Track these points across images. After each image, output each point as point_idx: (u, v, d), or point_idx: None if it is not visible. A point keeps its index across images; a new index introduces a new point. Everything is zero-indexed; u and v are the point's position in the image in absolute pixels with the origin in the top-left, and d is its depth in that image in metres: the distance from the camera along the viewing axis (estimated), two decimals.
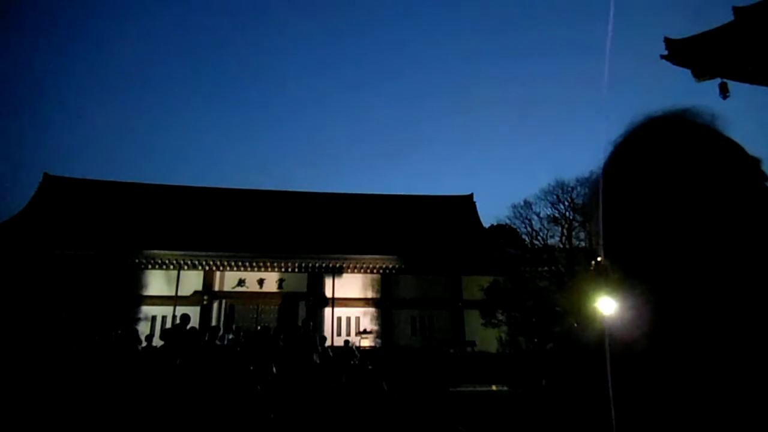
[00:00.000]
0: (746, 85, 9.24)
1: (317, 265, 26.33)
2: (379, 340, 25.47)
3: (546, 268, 21.27)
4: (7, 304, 19.89)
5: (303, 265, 26.26)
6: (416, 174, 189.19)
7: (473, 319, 24.67)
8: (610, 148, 0.69)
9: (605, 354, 0.60)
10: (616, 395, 0.57)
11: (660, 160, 0.63)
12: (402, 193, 33.88)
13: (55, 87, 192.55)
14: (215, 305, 25.66)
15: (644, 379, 0.57)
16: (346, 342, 15.50)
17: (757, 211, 0.60)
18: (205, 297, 25.48)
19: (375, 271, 27.22)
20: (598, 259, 0.68)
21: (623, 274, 0.66)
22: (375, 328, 26.19)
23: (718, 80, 8.82)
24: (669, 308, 0.60)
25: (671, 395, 0.55)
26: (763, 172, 0.63)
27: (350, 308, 26.62)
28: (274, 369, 8.28)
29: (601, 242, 0.67)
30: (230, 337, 11.74)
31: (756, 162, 0.63)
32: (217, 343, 10.14)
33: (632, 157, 0.66)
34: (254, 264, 25.89)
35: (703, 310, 0.58)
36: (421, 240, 27.93)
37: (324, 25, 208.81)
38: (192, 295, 25.38)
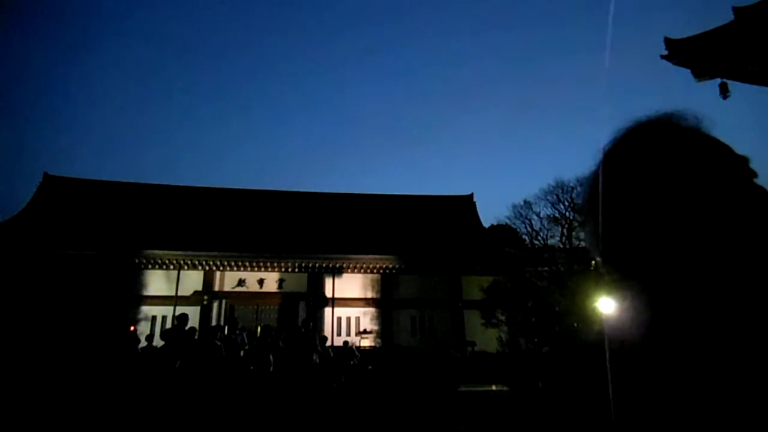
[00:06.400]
0: (746, 85, 9.25)
1: (317, 265, 26.34)
2: (379, 340, 25.47)
3: (546, 268, 21.28)
4: (7, 305, 19.91)
5: (303, 265, 26.27)
6: (416, 174, 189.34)
7: (473, 319, 24.68)
8: (600, 154, 0.70)
9: (605, 354, 0.60)
10: (615, 395, 0.57)
11: (649, 164, 0.64)
12: (402, 193, 33.92)
13: (56, 87, 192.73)
14: (215, 305, 25.67)
15: (643, 379, 0.57)
16: (346, 342, 15.51)
17: (747, 208, 0.60)
18: (205, 297, 25.50)
19: (375, 271, 27.23)
20: (597, 260, 0.70)
21: (619, 279, 0.67)
22: (375, 328, 26.20)
23: (718, 80, 8.83)
24: (664, 309, 0.60)
25: (669, 395, 0.55)
26: (752, 170, 0.64)
27: (350, 308, 26.63)
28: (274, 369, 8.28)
29: (594, 246, 0.68)
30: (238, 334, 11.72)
31: (744, 160, 0.64)
32: (224, 339, 10.14)
33: (622, 162, 0.67)
34: (254, 264, 25.91)
35: (698, 309, 0.59)
36: (421, 240, 27.94)
37: (325, 25, 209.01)
38: (192, 295, 25.39)
